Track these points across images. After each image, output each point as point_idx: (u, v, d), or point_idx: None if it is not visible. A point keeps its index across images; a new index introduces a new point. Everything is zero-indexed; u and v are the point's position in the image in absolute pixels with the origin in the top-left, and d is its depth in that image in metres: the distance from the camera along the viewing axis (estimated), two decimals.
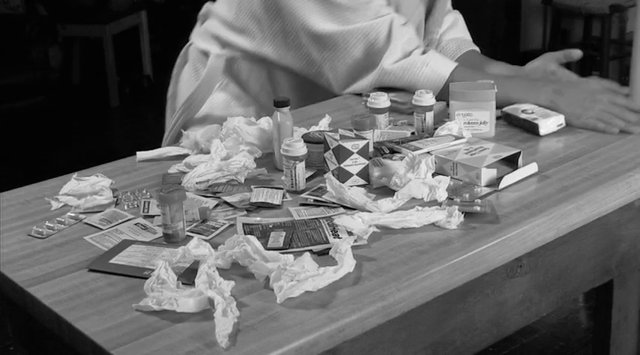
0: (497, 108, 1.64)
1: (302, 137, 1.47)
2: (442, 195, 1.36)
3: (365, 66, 1.77)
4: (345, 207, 1.37)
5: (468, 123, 1.61)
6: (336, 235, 1.27)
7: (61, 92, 4.70)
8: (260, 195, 1.41)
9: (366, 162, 1.43)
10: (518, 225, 1.30)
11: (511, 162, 1.47)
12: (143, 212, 1.39)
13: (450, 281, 1.22)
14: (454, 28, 2.01)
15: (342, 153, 1.42)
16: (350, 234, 1.27)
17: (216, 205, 1.40)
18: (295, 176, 1.42)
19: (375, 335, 1.17)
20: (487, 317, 1.35)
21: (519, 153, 1.48)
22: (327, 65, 1.78)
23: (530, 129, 1.64)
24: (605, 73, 4.30)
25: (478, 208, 1.33)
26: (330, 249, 1.23)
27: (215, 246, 1.22)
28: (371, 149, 1.47)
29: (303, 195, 1.42)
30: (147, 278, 1.15)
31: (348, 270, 1.18)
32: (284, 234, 1.28)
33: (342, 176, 1.42)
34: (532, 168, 1.47)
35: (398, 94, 1.75)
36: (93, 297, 1.15)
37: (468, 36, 2.03)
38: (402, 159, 1.44)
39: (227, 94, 1.89)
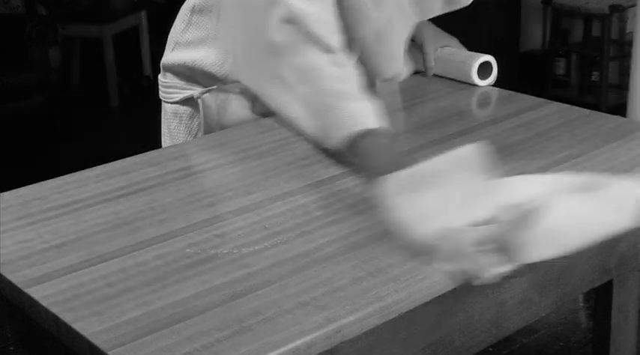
0: None
1: None
2: None
3: None
4: None
5: None
6: None
7: (61, 92, 4.71)
8: None
9: None
10: None
11: None
12: None
13: (448, 281, 1.22)
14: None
15: None
16: None
17: None
18: None
19: (373, 336, 1.17)
20: (486, 317, 1.34)
21: None
22: None
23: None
24: (605, 73, 4.30)
25: None
26: None
27: None
28: None
29: None
30: None
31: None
32: None
33: None
34: None
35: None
36: (91, 298, 1.15)
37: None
38: None
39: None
